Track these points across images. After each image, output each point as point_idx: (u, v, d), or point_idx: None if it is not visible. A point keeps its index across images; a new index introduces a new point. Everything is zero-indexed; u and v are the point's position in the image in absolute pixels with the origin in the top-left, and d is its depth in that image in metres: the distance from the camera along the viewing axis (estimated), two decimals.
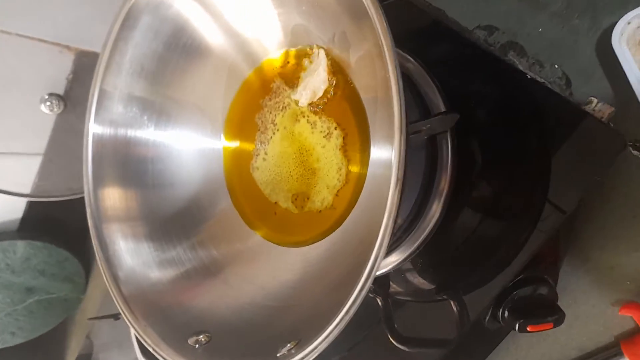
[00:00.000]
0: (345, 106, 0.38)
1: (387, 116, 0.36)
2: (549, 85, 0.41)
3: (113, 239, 0.39)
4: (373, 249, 0.27)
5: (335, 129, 0.38)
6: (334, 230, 0.40)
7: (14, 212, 0.89)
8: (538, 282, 0.40)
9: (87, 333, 1.00)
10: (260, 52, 0.41)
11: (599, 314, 0.42)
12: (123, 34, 0.38)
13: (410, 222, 0.42)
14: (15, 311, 0.94)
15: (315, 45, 0.39)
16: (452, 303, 0.47)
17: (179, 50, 0.40)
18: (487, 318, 0.42)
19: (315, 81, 0.38)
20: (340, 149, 0.38)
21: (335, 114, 0.39)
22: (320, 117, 0.39)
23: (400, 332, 0.51)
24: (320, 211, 0.41)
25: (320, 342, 0.28)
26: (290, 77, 0.41)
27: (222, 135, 0.45)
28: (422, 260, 0.47)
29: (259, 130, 0.43)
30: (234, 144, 0.45)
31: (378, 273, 0.34)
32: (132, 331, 0.71)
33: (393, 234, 0.28)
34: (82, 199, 0.81)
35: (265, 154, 0.43)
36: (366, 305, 0.28)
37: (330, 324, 0.28)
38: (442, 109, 0.39)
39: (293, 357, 0.29)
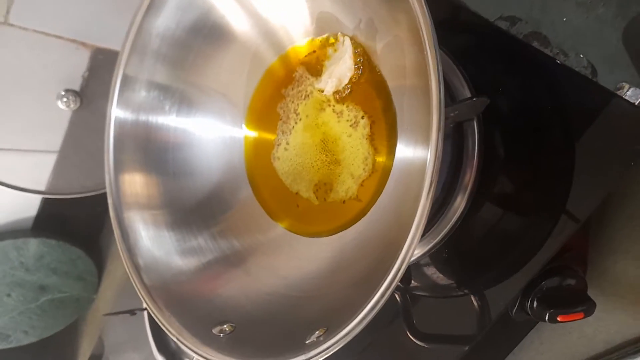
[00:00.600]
0: (372, 94, 0.38)
1: (416, 104, 0.35)
2: (577, 69, 0.41)
3: (134, 228, 0.39)
4: (406, 238, 0.27)
5: (362, 117, 0.38)
6: (359, 221, 0.39)
7: (28, 210, 0.89)
8: (567, 272, 0.39)
9: (99, 332, 0.99)
10: (285, 39, 0.41)
11: (628, 306, 0.41)
12: (147, 19, 0.37)
13: (433, 215, 0.42)
14: (28, 310, 0.94)
15: (340, 33, 0.39)
16: (472, 298, 0.46)
17: (202, 36, 0.40)
18: (515, 310, 0.41)
19: (341, 69, 0.38)
20: (367, 138, 0.38)
21: (361, 102, 0.38)
22: (347, 106, 0.39)
23: (418, 329, 0.50)
24: (344, 202, 0.41)
25: (352, 328, 0.28)
26: (314, 65, 0.41)
27: (244, 124, 0.44)
28: (443, 254, 0.46)
29: (280, 119, 0.42)
30: (256, 133, 0.44)
31: None
32: (148, 327, 0.71)
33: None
34: (96, 197, 0.82)
35: (287, 143, 0.43)
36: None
37: (362, 310, 0.28)
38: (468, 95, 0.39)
39: (322, 344, 0.28)
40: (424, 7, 0.26)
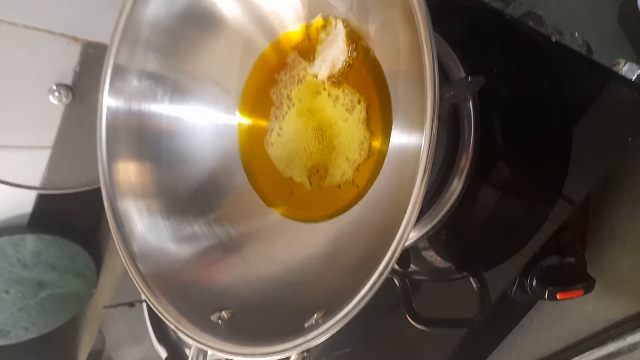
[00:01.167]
0: (366, 78, 0.37)
1: (410, 86, 0.35)
2: (572, 47, 0.40)
3: (129, 217, 0.39)
4: (401, 221, 0.26)
5: (359, 101, 0.38)
6: (355, 205, 0.39)
7: (24, 206, 0.88)
8: (566, 250, 0.39)
9: (99, 327, 0.99)
10: (277, 25, 0.40)
11: (628, 283, 0.41)
12: (136, 8, 0.37)
13: (430, 197, 0.42)
14: (28, 306, 0.94)
15: (332, 16, 0.38)
16: (472, 280, 0.46)
17: (193, 23, 0.39)
18: (514, 289, 0.41)
19: (334, 53, 0.37)
20: (363, 122, 0.38)
21: (356, 86, 0.38)
22: (342, 90, 0.38)
23: (418, 313, 0.50)
24: (339, 186, 0.41)
25: (350, 310, 0.27)
26: (306, 50, 0.40)
27: (237, 111, 0.44)
28: (442, 235, 0.46)
29: (273, 105, 0.42)
30: (250, 120, 0.44)
31: None
32: (148, 320, 0.71)
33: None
34: (92, 191, 0.81)
35: (280, 129, 0.42)
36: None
37: (360, 292, 0.27)
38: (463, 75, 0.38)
39: (321, 326, 0.28)
40: None
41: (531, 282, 0.39)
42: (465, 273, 0.47)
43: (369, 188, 0.38)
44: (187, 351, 0.67)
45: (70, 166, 0.80)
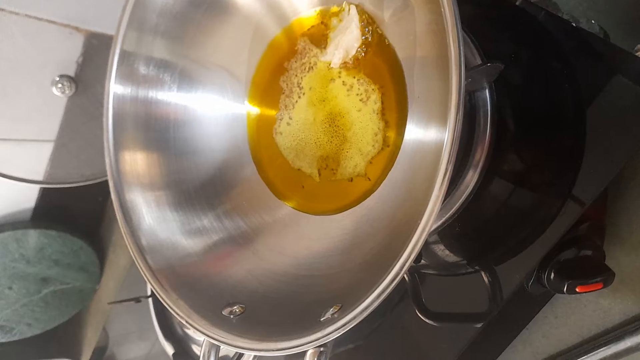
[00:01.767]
0: (381, 65, 0.36)
1: (428, 74, 0.34)
2: (589, 29, 0.39)
3: (137, 209, 0.38)
4: (422, 215, 0.25)
5: (374, 91, 0.36)
6: (367, 198, 0.38)
7: (27, 201, 0.87)
8: (584, 243, 0.38)
9: (104, 323, 0.99)
10: (289, 11, 0.39)
11: None
12: None
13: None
14: (31, 302, 0.93)
15: (345, 2, 0.37)
16: (483, 274, 0.45)
17: (203, 9, 0.38)
18: (531, 282, 0.40)
19: (348, 39, 0.36)
20: (378, 113, 0.37)
21: (371, 75, 0.37)
22: (357, 79, 0.37)
23: (428, 308, 0.49)
24: (351, 179, 0.40)
25: (369, 304, 0.27)
26: (317, 37, 0.39)
27: (246, 100, 0.43)
28: (454, 230, 0.45)
29: (283, 93, 0.41)
30: (259, 109, 0.43)
31: None
32: (154, 315, 0.70)
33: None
34: (95, 186, 0.80)
35: (290, 118, 0.41)
36: None
37: (379, 286, 0.27)
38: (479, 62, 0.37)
39: (338, 320, 0.27)
40: None
41: (549, 275, 0.38)
42: (476, 267, 0.46)
43: (382, 181, 0.37)
44: (194, 347, 0.66)
45: (73, 160, 0.79)
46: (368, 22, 0.36)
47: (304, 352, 0.29)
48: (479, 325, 0.45)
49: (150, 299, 0.70)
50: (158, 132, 0.40)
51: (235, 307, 0.34)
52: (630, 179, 0.41)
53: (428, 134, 0.34)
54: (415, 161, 0.35)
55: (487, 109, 0.39)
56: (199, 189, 0.41)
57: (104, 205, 0.95)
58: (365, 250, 0.34)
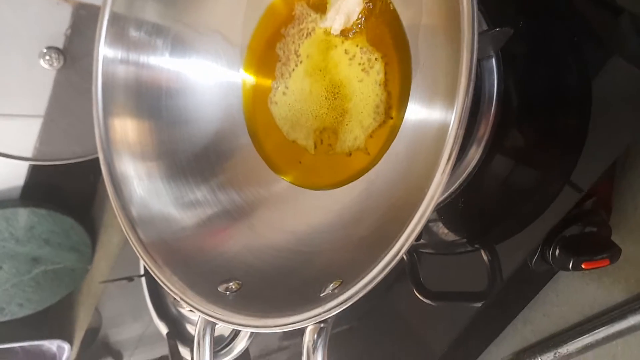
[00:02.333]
0: (384, 32, 0.35)
1: (434, 42, 0.32)
2: None
3: (127, 180, 0.36)
4: (427, 190, 0.24)
5: (376, 59, 0.35)
6: (367, 172, 0.37)
7: (16, 179, 0.85)
8: (590, 218, 0.37)
9: (96, 304, 0.98)
10: None
11: None
12: None
13: None
14: (22, 282, 0.92)
15: None
16: (483, 253, 0.44)
17: None
18: (535, 260, 0.39)
19: (349, 3, 0.34)
20: (381, 84, 0.35)
21: (374, 43, 0.35)
22: (360, 47, 0.35)
23: (426, 287, 0.49)
24: (350, 154, 0.38)
25: (371, 279, 0.25)
26: (316, 2, 0.37)
27: (242, 68, 0.41)
28: (455, 207, 0.44)
29: (279, 61, 0.39)
30: (255, 78, 0.41)
31: None
32: (147, 294, 0.69)
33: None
34: (86, 163, 0.78)
35: (286, 87, 0.39)
36: None
37: (381, 261, 0.25)
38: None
39: (340, 295, 0.26)
40: None
41: (554, 251, 0.37)
42: (476, 245, 0.45)
43: (382, 155, 0.36)
44: (188, 327, 0.65)
45: (63, 136, 0.77)
46: None
47: (304, 329, 0.28)
48: (478, 305, 0.44)
49: (143, 279, 0.68)
50: (149, 100, 0.38)
51: (231, 283, 0.33)
52: (637, 155, 0.40)
53: (433, 106, 0.32)
54: (418, 135, 0.34)
55: (493, 80, 0.38)
56: (192, 160, 0.39)
57: (95, 183, 0.94)
58: (365, 225, 0.33)
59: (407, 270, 0.50)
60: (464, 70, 0.22)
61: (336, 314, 0.26)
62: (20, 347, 1.03)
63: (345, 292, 0.26)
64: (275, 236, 0.36)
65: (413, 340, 0.52)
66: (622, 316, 0.42)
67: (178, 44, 0.39)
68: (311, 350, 0.27)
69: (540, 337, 0.48)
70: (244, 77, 0.41)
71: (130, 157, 0.37)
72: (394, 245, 0.25)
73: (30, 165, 0.83)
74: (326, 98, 0.38)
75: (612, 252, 0.36)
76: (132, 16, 0.36)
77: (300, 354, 0.28)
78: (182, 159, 0.39)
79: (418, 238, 0.49)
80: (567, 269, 0.36)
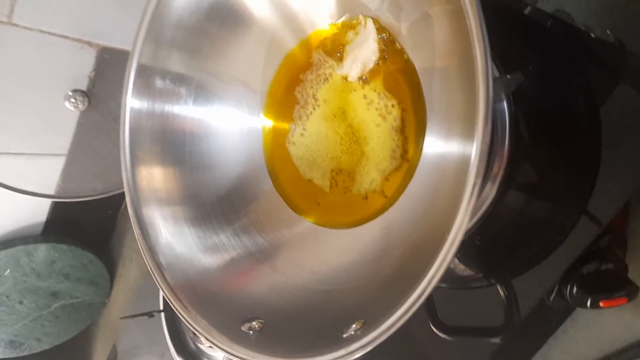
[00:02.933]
0: (399, 79, 0.36)
1: (447, 86, 0.34)
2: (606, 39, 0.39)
3: (154, 225, 0.37)
4: (450, 229, 0.25)
5: (393, 106, 0.36)
6: (385, 212, 0.38)
7: (38, 215, 0.88)
8: (606, 255, 0.37)
9: (113, 338, 0.98)
10: (306, 23, 0.39)
11: None
12: (161, 6, 0.36)
13: None
14: (41, 316, 0.93)
15: (361, 15, 0.37)
16: (499, 288, 0.44)
17: (220, 21, 0.38)
18: (552, 297, 0.39)
19: (365, 53, 0.36)
20: (397, 130, 0.36)
21: (390, 89, 0.36)
22: (378, 93, 0.37)
23: (442, 321, 0.49)
24: (366, 197, 0.39)
25: (395, 321, 0.26)
26: (332, 49, 0.39)
27: (262, 113, 0.43)
28: (473, 243, 0.44)
29: (298, 104, 0.41)
30: (274, 122, 0.43)
31: None
32: (166, 329, 0.69)
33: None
34: (106, 199, 0.80)
35: (304, 129, 0.41)
36: None
37: (405, 303, 0.26)
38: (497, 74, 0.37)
39: (363, 337, 0.27)
40: None
41: (571, 289, 0.37)
42: (493, 280, 0.45)
43: (399, 196, 0.37)
44: None
45: (85, 173, 0.79)
46: (385, 35, 0.36)
47: None
48: (496, 340, 0.44)
49: (162, 314, 0.69)
50: (174, 146, 0.40)
51: (254, 322, 0.33)
52: None
53: (449, 147, 0.33)
54: (437, 175, 0.35)
55: (505, 121, 0.39)
56: (216, 203, 0.40)
57: (114, 218, 0.95)
58: (387, 263, 0.33)
59: (424, 304, 0.50)
60: (481, 108, 0.23)
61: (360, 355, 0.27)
62: None
63: (368, 334, 0.26)
64: (298, 275, 0.37)
65: None
66: None
67: (201, 92, 0.41)
68: None
69: None
70: (264, 122, 0.43)
71: (157, 202, 0.38)
72: (418, 286, 0.26)
73: (52, 201, 0.85)
74: (342, 141, 0.39)
75: (629, 289, 0.36)
76: (157, 67, 0.38)
77: None
78: (206, 202, 0.40)
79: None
80: (585, 307, 0.36)
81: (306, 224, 0.41)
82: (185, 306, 0.34)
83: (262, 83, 0.42)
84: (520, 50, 0.42)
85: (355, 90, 0.38)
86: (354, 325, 0.28)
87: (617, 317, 0.43)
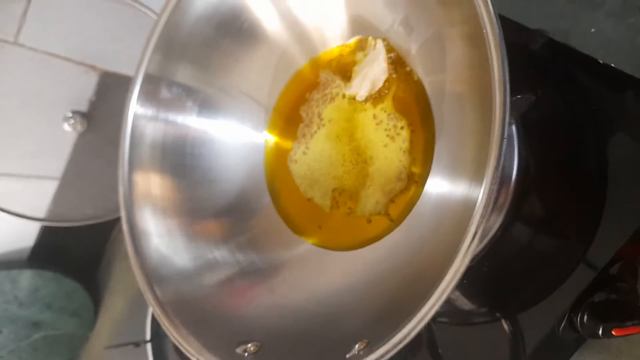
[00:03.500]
0: (407, 99, 0.36)
1: (459, 108, 0.33)
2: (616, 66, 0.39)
3: (147, 237, 0.36)
4: (460, 248, 0.24)
5: (402, 128, 0.36)
6: (389, 234, 0.37)
7: (25, 240, 0.85)
8: (617, 283, 0.36)
9: None
10: (318, 42, 0.39)
11: None
12: (174, 17, 0.36)
13: None
14: (19, 348, 0.88)
15: (371, 37, 0.37)
16: (504, 322, 0.43)
17: (230, 35, 0.38)
18: (562, 327, 0.38)
19: (375, 72, 0.36)
20: (405, 151, 0.36)
21: (399, 109, 0.36)
22: (387, 113, 0.36)
23: (444, 358, 0.47)
24: (370, 220, 0.38)
25: (399, 341, 0.25)
26: (339, 69, 0.39)
27: (266, 129, 0.42)
28: (476, 274, 0.43)
29: (303, 122, 0.41)
30: (278, 139, 0.43)
31: None
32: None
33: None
34: (96, 226, 0.78)
35: (307, 147, 0.40)
36: None
37: (410, 321, 0.25)
38: None
39: (366, 357, 0.25)
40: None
41: (582, 318, 0.36)
42: (497, 315, 0.44)
43: (404, 219, 0.36)
44: None
45: (76, 198, 0.77)
46: (394, 55, 0.36)
47: None
48: None
49: (148, 345, 0.66)
50: (174, 157, 0.39)
51: (249, 344, 0.31)
52: None
53: (457, 174, 0.32)
54: (443, 201, 0.34)
55: (514, 148, 0.39)
56: (212, 220, 0.39)
57: (103, 246, 0.93)
58: (389, 286, 0.32)
59: (425, 342, 0.48)
60: (494, 147, 0.23)
61: None
62: None
63: (371, 354, 0.25)
64: (297, 298, 0.36)
65: None
66: None
67: (207, 105, 0.40)
68: None
69: None
70: (267, 138, 0.42)
71: (152, 213, 0.37)
72: (423, 306, 0.25)
73: (41, 226, 0.83)
74: (346, 160, 0.39)
75: None
76: (165, 77, 0.38)
77: None
78: (203, 218, 0.39)
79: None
80: (597, 337, 0.35)
81: (307, 245, 0.39)
82: (176, 325, 0.33)
83: (268, 99, 0.41)
84: (527, 76, 0.42)
85: (365, 110, 0.38)
86: (357, 346, 0.27)
87: (629, 355, 0.41)
